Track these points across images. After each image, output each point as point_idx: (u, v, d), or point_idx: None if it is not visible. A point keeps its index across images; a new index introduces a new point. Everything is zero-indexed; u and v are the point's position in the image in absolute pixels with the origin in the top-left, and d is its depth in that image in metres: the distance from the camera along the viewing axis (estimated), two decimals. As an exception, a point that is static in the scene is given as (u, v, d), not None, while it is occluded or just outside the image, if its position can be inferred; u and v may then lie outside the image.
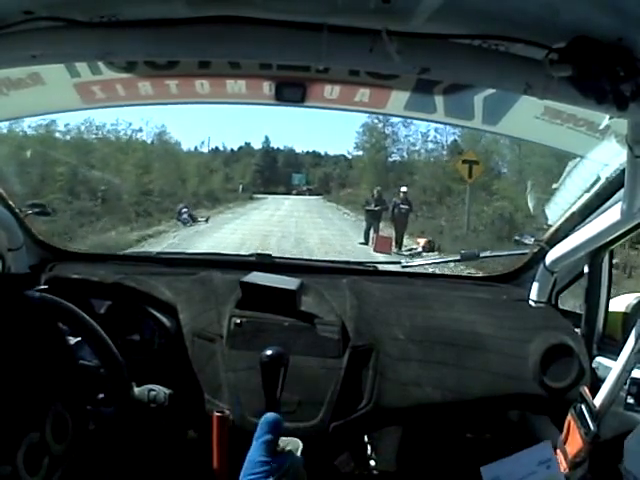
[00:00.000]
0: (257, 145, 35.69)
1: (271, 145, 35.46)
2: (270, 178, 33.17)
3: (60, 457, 1.06)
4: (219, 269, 1.76)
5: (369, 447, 1.69)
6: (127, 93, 1.65)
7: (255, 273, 1.59)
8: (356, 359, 1.48)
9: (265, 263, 1.88)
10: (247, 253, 2.10)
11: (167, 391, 1.35)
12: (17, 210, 1.69)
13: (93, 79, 1.59)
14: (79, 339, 1.30)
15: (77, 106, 1.73)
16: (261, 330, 1.49)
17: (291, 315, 1.51)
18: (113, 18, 1.01)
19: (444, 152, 21.73)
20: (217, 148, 32.40)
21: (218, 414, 1.34)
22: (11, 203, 1.66)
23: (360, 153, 26.41)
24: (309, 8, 0.96)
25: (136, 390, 1.31)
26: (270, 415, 0.91)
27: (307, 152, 36.47)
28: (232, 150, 34.03)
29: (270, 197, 28.63)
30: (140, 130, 21.34)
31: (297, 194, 30.46)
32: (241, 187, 28.95)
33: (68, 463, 1.07)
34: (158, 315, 1.57)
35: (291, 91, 1.61)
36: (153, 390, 1.34)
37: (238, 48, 1.03)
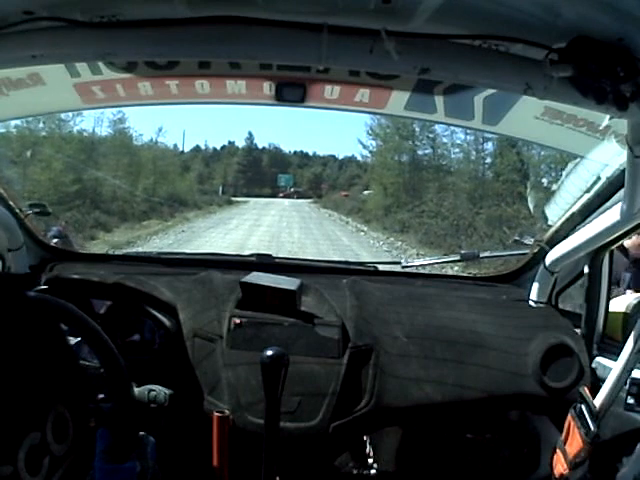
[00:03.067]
0: (240, 143, 32.31)
1: (255, 143, 32.36)
2: (253, 179, 30.21)
3: (61, 457, 1.06)
4: (219, 269, 1.76)
5: (369, 447, 1.69)
6: (127, 93, 1.65)
7: (255, 273, 1.59)
8: (356, 359, 1.48)
9: (265, 263, 1.88)
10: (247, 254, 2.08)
11: (167, 391, 1.35)
12: (17, 210, 1.69)
13: (93, 79, 1.58)
14: (79, 339, 1.30)
15: (77, 106, 1.73)
16: (261, 330, 1.49)
17: (291, 315, 1.51)
18: (113, 18, 1.01)
19: (491, 144, 15.43)
20: (198, 146, 29.86)
21: (218, 414, 1.35)
22: (11, 203, 1.66)
23: (373, 143, 19.29)
24: (309, 8, 0.96)
25: (136, 390, 1.31)
26: None
27: (295, 151, 33.60)
28: (214, 148, 31.30)
29: (252, 200, 24.47)
30: (80, 114, 15.51)
31: (284, 197, 26.75)
32: (221, 188, 25.79)
33: (68, 463, 1.07)
34: (158, 315, 1.57)
35: (291, 91, 1.61)
36: (153, 390, 1.34)
37: (238, 48, 1.03)
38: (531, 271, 1.81)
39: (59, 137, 15.03)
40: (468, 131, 14.60)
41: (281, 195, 27.58)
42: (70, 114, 14.69)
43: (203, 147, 30.38)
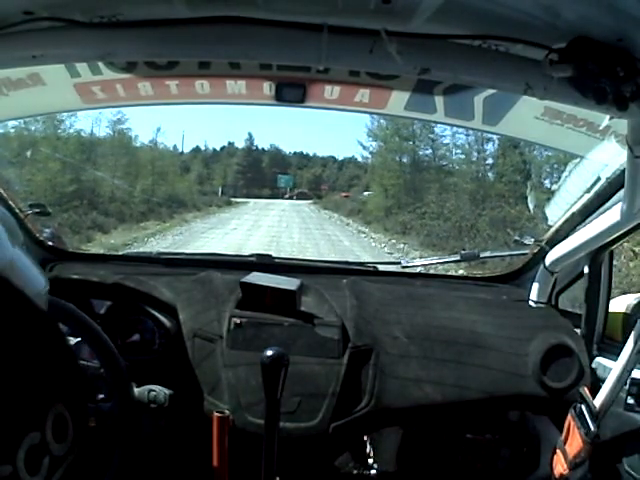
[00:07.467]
0: (240, 143, 31.74)
1: (255, 143, 31.76)
2: (253, 180, 29.72)
3: (60, 457, 1.06)
4: (219, 269, 1.76)
5: (369, 447, 1.69)
6: (127, 93, 1.65)
7: (255, 273, 1.59)
8: (356, 359, 1.48)
9: (265, 263, 1.88)
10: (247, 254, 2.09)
11: (167, 391, 1.35)
12: (17, 210, 1.69)
13: (93, 79, 1.58)
14: (79, 339, 1.30)
15: (77, 106, 1.72)
16: (261, 330, 1.49)
17: (291, 315, 1.51)
18: (113, 18, 1.01)
19: (492, 145, 14.89)
20: (198, 147, 29.24)
21: (218, 414, 1.35)
22: (11, 203, 1.66)
23: (373, 144, 18.74)
24: (309, 8, 0.96)
25: (136, 391, 1.31)
26: None
27: (294, 152, 32.76)
28: (214, 149, 30.65)
29: (252, 201, 24.27)
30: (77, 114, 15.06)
31: (284, 198, 26.57)
32: (220, 189, 25.56)
33: (68, 463, 1.07)
34: (158, 315, 1.57)
35: (291, 91, 1.61)
36: (153, 390, 1.34)
37: (238, 48, 1.03)
38: (531, 271, 1.81)
39: (56, 137, 14.63)
40: (469, 131, 14.39)
41: (286, 196, 27.41)
42: (67, 114, 13.85)
43: (203, 148, 30.06)
